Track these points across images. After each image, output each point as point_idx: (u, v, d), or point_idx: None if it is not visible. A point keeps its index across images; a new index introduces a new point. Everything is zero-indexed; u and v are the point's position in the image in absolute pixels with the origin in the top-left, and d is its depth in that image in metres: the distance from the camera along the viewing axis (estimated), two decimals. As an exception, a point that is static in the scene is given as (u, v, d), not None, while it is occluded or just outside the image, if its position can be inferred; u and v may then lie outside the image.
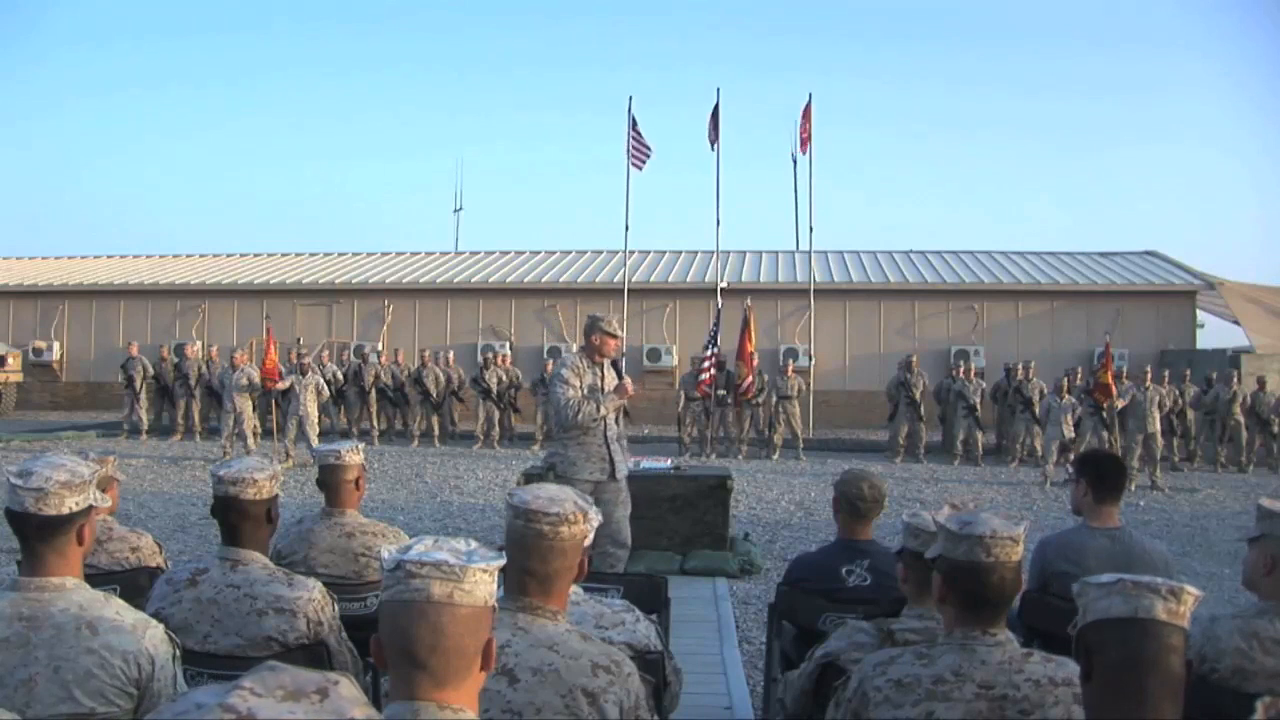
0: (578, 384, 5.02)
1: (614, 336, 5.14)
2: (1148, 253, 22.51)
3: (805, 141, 18.36)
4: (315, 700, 0.90)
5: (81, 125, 71.01)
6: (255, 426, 13.19)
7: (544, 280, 21.00)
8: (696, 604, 5.82)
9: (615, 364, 5.23)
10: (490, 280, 21.21)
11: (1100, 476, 3.24)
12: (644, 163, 17.98)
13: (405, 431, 15.70)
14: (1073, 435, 12.11)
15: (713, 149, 18.41)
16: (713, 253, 19.55)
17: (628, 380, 5.18)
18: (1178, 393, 14.16)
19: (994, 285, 19.87)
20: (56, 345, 21.23)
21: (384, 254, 24.71)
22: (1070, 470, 11.64)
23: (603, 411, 5.02)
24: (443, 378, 15.58)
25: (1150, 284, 19.79)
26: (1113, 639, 1.53)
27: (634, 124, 17.84)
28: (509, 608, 1.85)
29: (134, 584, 3.11)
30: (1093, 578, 1.60)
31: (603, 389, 5.09)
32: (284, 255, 25.09)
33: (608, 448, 5.09)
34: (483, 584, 1.39)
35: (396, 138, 70.79)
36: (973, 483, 12.11)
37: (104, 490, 2.31)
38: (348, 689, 0.93)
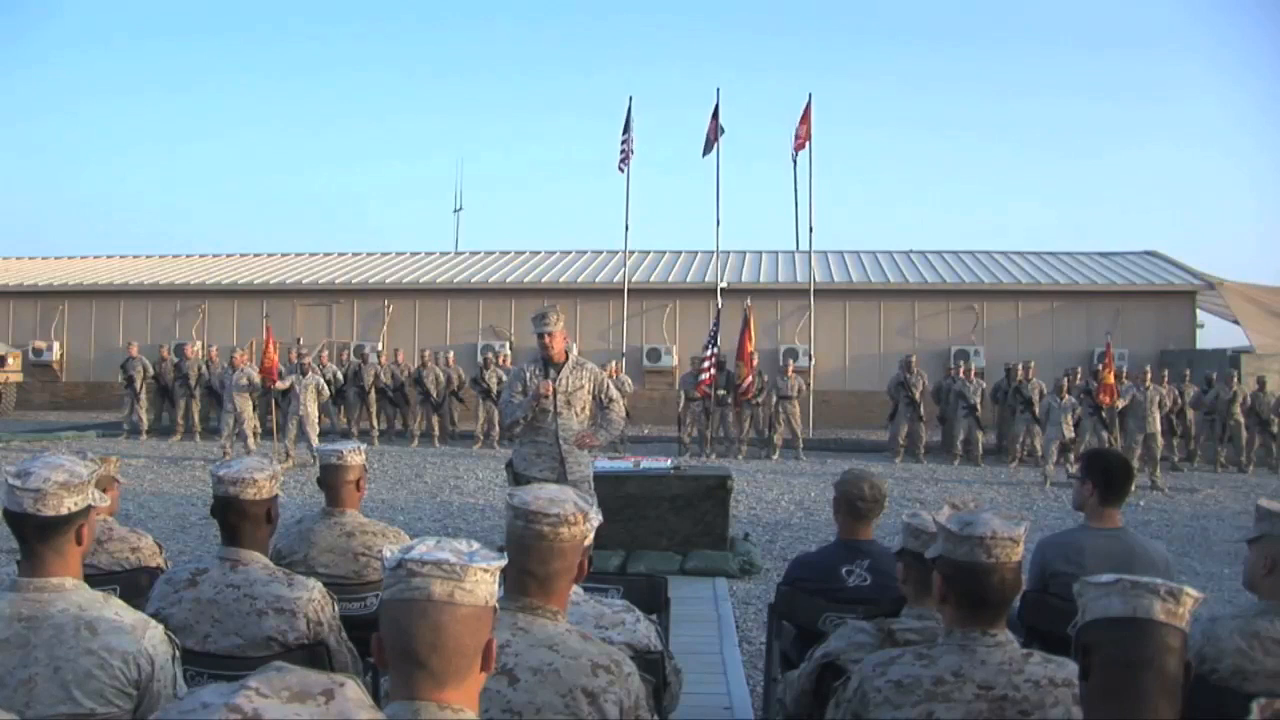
0: (520, 388, 5.17)
1: (544, 334, 5.11)
2: (1148, 253, 22.52)
3: (801, 142, 18.34)
4: (321, 702, 0.90)
5: (82, 126, 71.10)
6: (255, 426, 13.19)
7: (544, 280, 21.00)
8: (696, 604, 5.82)
9: (557, 365, 5.16)
10: (490, 280, 21.21)
11: (1108, 478, 3.23)
12: (625, 165, 18.20)
13: (405, 432, 15.70)
14: (1073, 435, 12.11)
15: (705, 154, 18.47)
16: (713, 253, 19.56)
17: (543, 383, 5.09)
18: (1178, 393, 14.15)
19: (994, 285, 19.87)
20: (56, 345, 21.23)
21: (384, 254, 24.71)
22: (1071, 470, 11.68)
23: (518, 415, 5.10)
24: (443, 378, 15.58)
25: (1150, 284, 19.80)
26: (1110, 638, 1.53)
27: (627, 130, 18.00)
28: (509, 608, 1.85)
29: (134, 584, 3.11)
30: (1092, 577, 1.60)
31: (554, 391, 5.08)
32: (284, 255, 25.08)
33: (559, 449, 5.10)
34: (484, 584, 1.39)
35: (397, 138, 70.85)
36: (973, 483, 12.10)
37: (104, 490, 2.31)
38: (354, 691, 0.93)
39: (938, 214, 64.41)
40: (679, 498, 6.99)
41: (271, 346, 13.07)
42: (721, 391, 14.49)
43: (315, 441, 11.95)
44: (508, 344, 19.76)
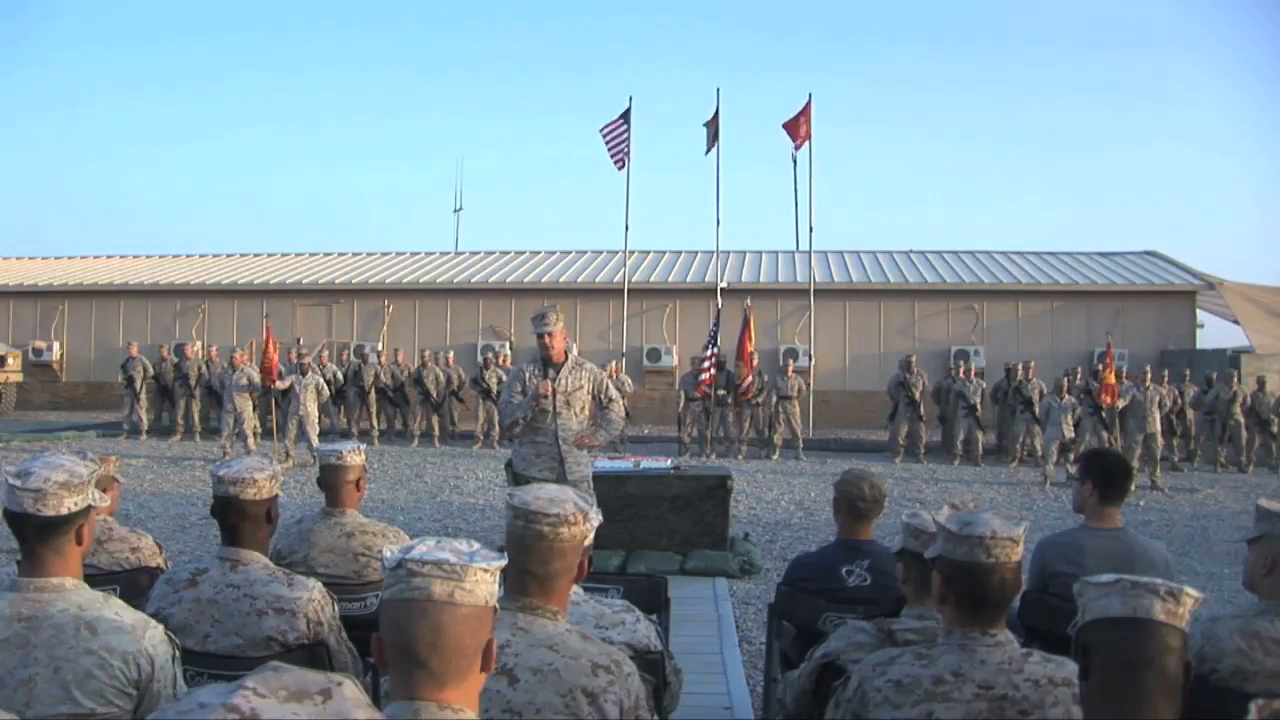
0: (519, 388, 5.17)
1: (544, 334, 5.11)
2: (1148, 253, 22.51)
3: (801, 139, 18.25)
4: (319, 701, 0.90)
5: (82, 126, 71.07)
6: (255, 426, 13.19)
7: (544, 280, 21.00)
8: (696, 604, 5.81)
9: (556, 365, 5.15)
10: (490, 280, 21.21)
11: (1108, 478, 3.23)
12: (623, 163, 18.11)
13: (405, 432, 15.70)
14: (1073, 435, 12.11)
15: (708, 152, 18.46)
16: (713, 253, 19.55)
17: (542, 383, 5.09)
18: (1178, 393, 14.15)
19: (994, 285, 19.87)
20: (56, 345, 21.23)
21: (384, 254, 24.71)
22: (1071, 470, 11.69)
23: (518, 415, 5.11)
24: (443, 378, 15.58)
25: (1150, 284, 19.79)
26: (1110, 638, 1.53)
27: (625, 122, 17.92)
28: (509, 608, 1.85)
29: (134, 584, 3.11)
30: (1092, 577, 1.60)
31: (553, 391, 5.08)
32: (284, 255, 25.08)
33: (559, 449, 5.11)
34: (484, 584, 1.39)
35: (397, 138, 70.84)
36: (973, 483, 12.10)
37: (104, 490, 2.31)
38: (351, 691, 0.93)
39: (938, 214, 64.47)
40: (679, 498, 6.99)
41: (271, 346, 13.07)
42: (721, 391, 14.48)
43: (315, 441, 11.95)
44: (508, 344, 19.76)
